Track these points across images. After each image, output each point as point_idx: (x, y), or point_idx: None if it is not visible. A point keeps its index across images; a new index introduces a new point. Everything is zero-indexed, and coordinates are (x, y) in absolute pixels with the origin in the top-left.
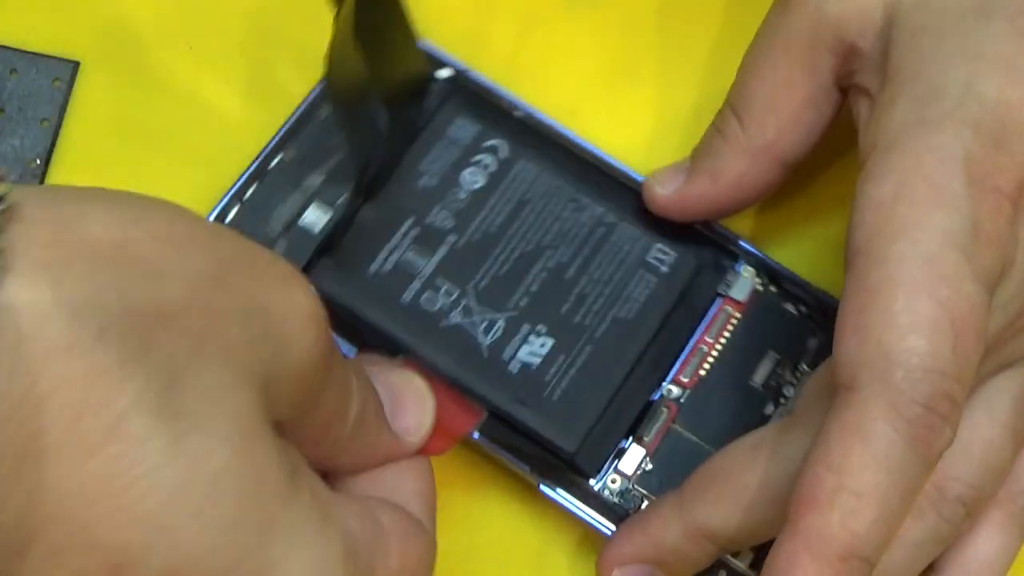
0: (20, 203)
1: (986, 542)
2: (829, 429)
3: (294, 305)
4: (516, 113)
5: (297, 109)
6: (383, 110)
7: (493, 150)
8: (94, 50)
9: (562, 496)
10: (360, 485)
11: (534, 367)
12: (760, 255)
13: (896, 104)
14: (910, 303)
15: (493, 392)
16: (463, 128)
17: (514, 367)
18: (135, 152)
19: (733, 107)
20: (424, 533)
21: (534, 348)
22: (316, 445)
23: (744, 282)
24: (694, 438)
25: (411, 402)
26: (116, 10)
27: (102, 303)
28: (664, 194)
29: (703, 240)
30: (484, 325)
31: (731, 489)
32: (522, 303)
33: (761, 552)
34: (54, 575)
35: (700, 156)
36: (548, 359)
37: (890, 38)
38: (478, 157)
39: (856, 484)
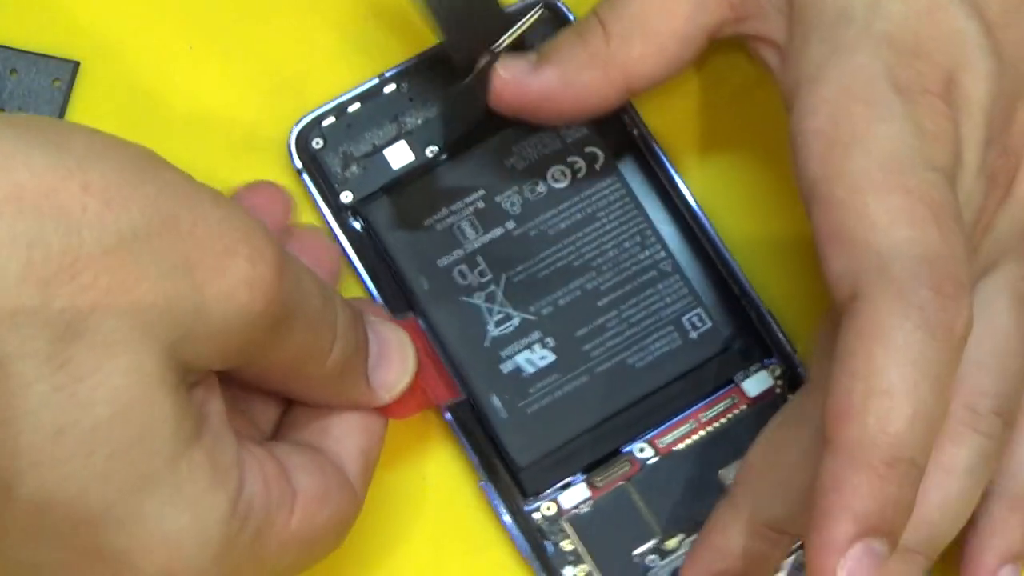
0: None
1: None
2: (846, 342)
3: (232, 272)
4: (633, 130)
5: (428, 50)
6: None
7: (591, 156)
8: (94, 50)
9: (495, 500)
10: (307, 432)
11: (525, 374)
12: (795, 360)
13: (809, 40)
14: (883, 202)
15: (476, 379)
16: (572, 125)
17: (507, 367)
18: None
19: (600, 16)
20: (346, 495)
21: (534, 358)
22: (285, 379)
23: (762, 379)
24: (640, 504)
25: (396, 358)
26: (116, 10)
27: (8, 252)
28: (505, 77)
29: (747, 324)
30: (499, 317)
31: (778, 474)
32: (544, 311)
33: None
34: None
35: (551, 54)
36: (541, 373)
37: None
38: (573, 158)
39: (884, 383)
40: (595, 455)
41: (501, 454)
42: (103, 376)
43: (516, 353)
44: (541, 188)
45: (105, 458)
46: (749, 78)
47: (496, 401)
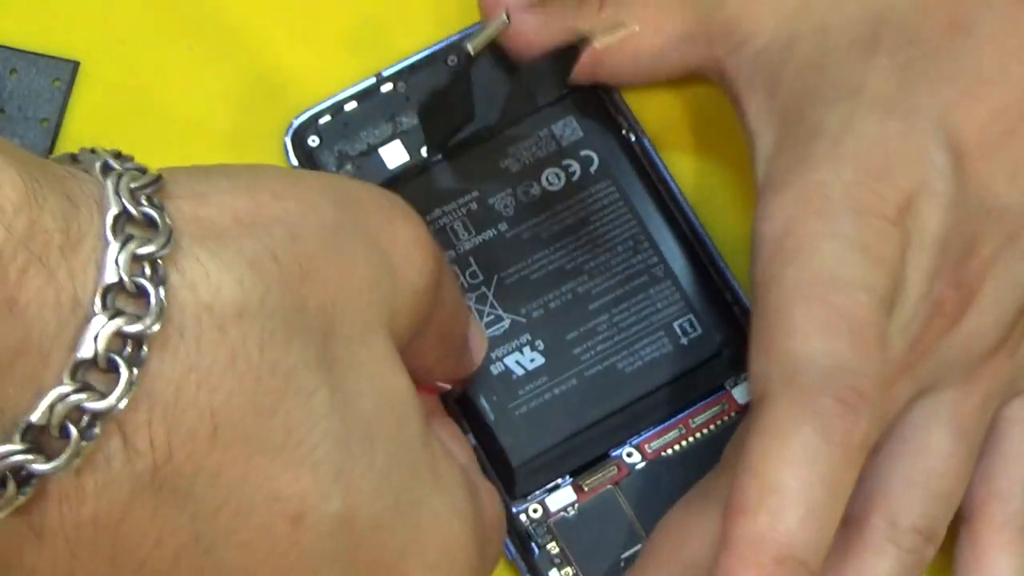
0: (166, 181)
1: (996, 566)
2: (748, 440)
3: (401, 235)
4: (629, 135)
5: (428, 48)
6: (491, 98)
7: (586, 160)
8: (94, 50)
9: None
10: None
11: (514, 376)
12: None
13: (783, 146)
14: (806, 312)
15: (469, 389)
16: (568, 128)
17: (496, 368)
18: (135, 152)
19: None
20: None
21: (523, 360)
22: (437, 348)
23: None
24: (626, 508)
25: (475, 328)
26: (116, 10)
27: (260, 267)
28: (520, 5)
29: (738, 331)
30: (490, 318)
31: (683, 556)
32: (534, 314)
33: None
34: (240, 533)
35: (550, 6)
36: (531, 375)
37: (781, 70)
38: (567, 161)
39: (777, 482)
40: (584, 458)
41: (490, 455)
42: (359, 368)
43: (506, 355)
44: (535, 190)
45: (384, 450)
46: None
47: (485, 402)
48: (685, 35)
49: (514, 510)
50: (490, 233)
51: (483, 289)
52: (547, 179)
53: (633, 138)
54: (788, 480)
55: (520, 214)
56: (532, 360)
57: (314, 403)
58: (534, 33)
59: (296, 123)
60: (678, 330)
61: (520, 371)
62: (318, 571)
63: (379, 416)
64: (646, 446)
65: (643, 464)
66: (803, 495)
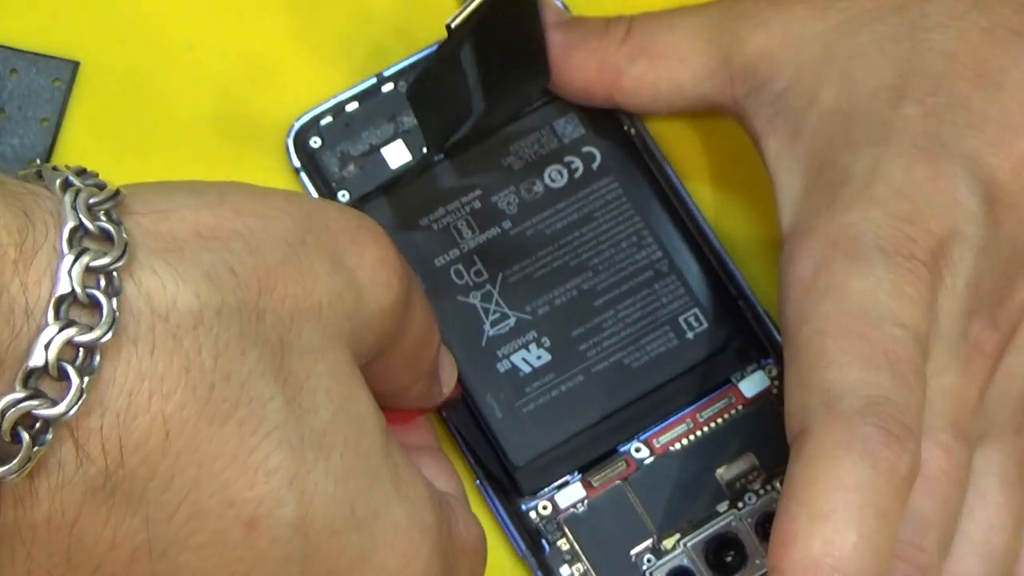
0: (126, 197)
1: None
2: (791, 472)
3: (368, 253)
4: (630, 130)
5: (428, 48)
6: (481, 89)
7: (588, 156)
8: (94, 50)
9: (491, 499)
10: None
11: (521, 374)
12: None
13: (810, 193)
14: (842, 345)
15: (473, 378)
16: (569, 125)
17: (503, 366)
18: (135, 152)
19: (633, 23)
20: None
21: (530, 357)
22: (402, 374)
23: (759, 379)
24: (636, 503)
25: (447, 358)
26: (116, 10)
27: (217, 280)
28: (551, 22)
29: (743, 325)
30: (495, 316)
31: None
32: (540, 311)
33: None
34: (195, 536)
35: (576, 21)
36: (537, 373)
37: (804, 114)
38: (570, 158)
39: (828, 508)
40: (591, 455)
41: (497, 453)
42: (315, 381)
43: (512, 353)
44: (538, 188)
45: (340, 459)
46: None
47: (492, 400)
48: (707, 72)
49: (524, 507)
50: (494, 231)
51: (488, 287)
52: (550, 176)
53: (634, 132)
54: (838, 506)
55: (523, 212)
56: (539, 357)
57: (268, 411)
58: (562, 50)
59: (297, 125)
60: (684, 324)
61: (527, 368)
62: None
63: (336, 426)
64: (654, 441)
65: (651, 459)
66: (855, 520)
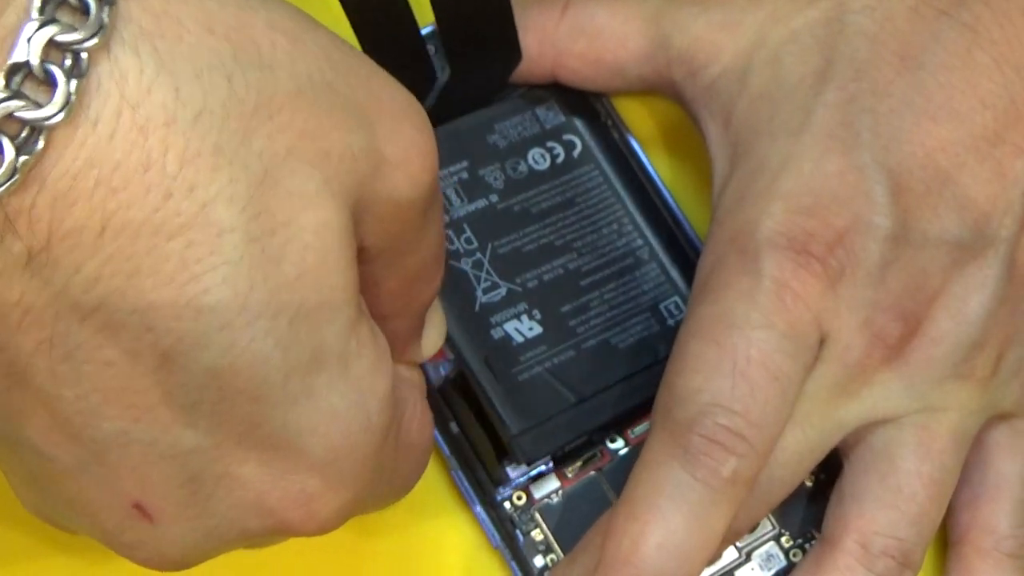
0: None
1: None
2: (632, 471)
3: (403, 133)
4: (607, 121)
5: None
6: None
7: (568, 144)
8: None
9: (465, 489)
10: None
11: (514, 343)
12: None
13: (729, 183)
14: (697, 350)
15: (468, 345)
16: (550, 112)
17: (496, 333)
18: None
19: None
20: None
21: (522, 327)
22: (392, 299)
23: None
24: (610, 494)
25: (438, 316)
26: None
27: (208, 84)
28: None
29: None
30: (487, 284)
31: None
32: (530, 284)
33: None
34: (105, 350)
35: (515, 4)
36: (530, 343)
37: (735, 100)
38: (551, 144)
39: (640, 510)
40: (586, 427)
41: (492, 423)
42: (295, 231)
43: (505, 321)
44: (522, 168)
45: (288, 323)
46: None
47: (488, 366)
48: (645, 54)
49: (498, 497)
50: (482, 203)
51: (479, 255)
52: (533, 158)
53: (610, 123)
54: (648, 508)
55: (509, 188)
56: (531, 328)
57: (223, 243)
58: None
59: None
60: (664, 311)
61: (520, 338)
62: (175, 421)
63: (296, 289)
64: (629, 432)
65: (626, 450)
66: (661, 524)
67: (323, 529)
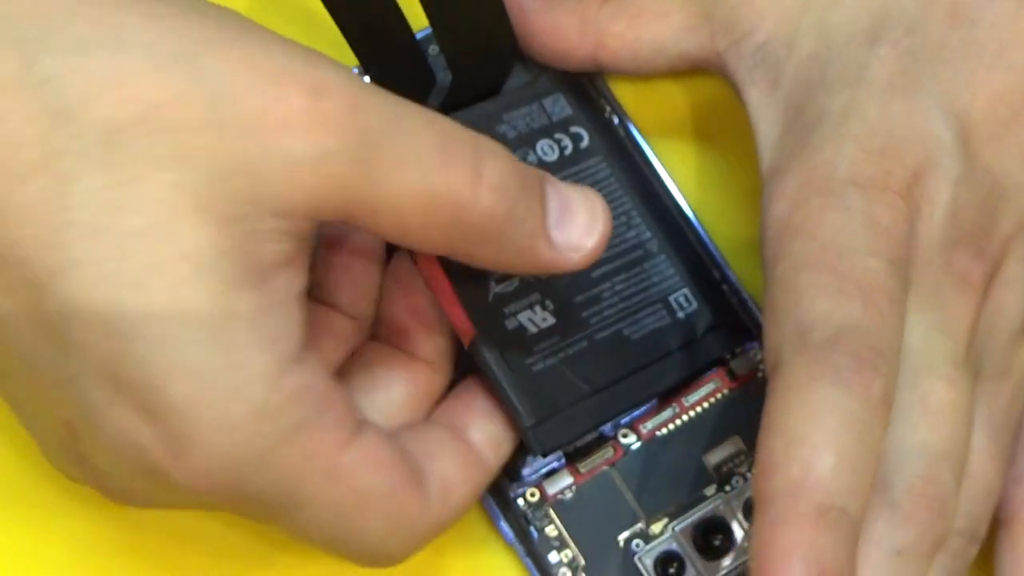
0: None
1: None
2: (767, 408)
3: (284, 99)
4: (612, 117)
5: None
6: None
7: (576, 136)
8: None
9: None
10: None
11: (528, 333)
12: None
13: (785, 136)
14: (813, 279)
15: (483, 332)
16: (556, 104)
17: (510, 324)
18: None
19: None
20: (410, 491)
21: (535, 318)
22: (436, 230)
23: (749, 360)
24: (623, 489)
25: (581, 215)
26: None
27: (58, 54)
28: None
29: (729, 308)
30: (499, 274)
31: None
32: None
33: None
34: (2, 275)
35: None
36: (543, 334)
37: (783, 64)
38: (559, 135)
39: (803, 433)
40: (601, 418)
41: (507, 411)
42: (146, 187)
43: (518, 312)
44: (531, 158)
45: (141, 267)
46: None
47: (502, 358)
48: (687, 27)
49: (511, 495)
50: None
51: None
52: (542, 149)
53: (617, 121)
54: (813, 430)
55: None
56: (544, 319)
57: (77, 187)
58: (540, 15)
59: None
60: (674, 304)
61: (533, 328)
62: (57, 348)
63: (149, 237)
64: (640, 426)
65: (638, 444)
66: (831, 442)
67: (197, 482)
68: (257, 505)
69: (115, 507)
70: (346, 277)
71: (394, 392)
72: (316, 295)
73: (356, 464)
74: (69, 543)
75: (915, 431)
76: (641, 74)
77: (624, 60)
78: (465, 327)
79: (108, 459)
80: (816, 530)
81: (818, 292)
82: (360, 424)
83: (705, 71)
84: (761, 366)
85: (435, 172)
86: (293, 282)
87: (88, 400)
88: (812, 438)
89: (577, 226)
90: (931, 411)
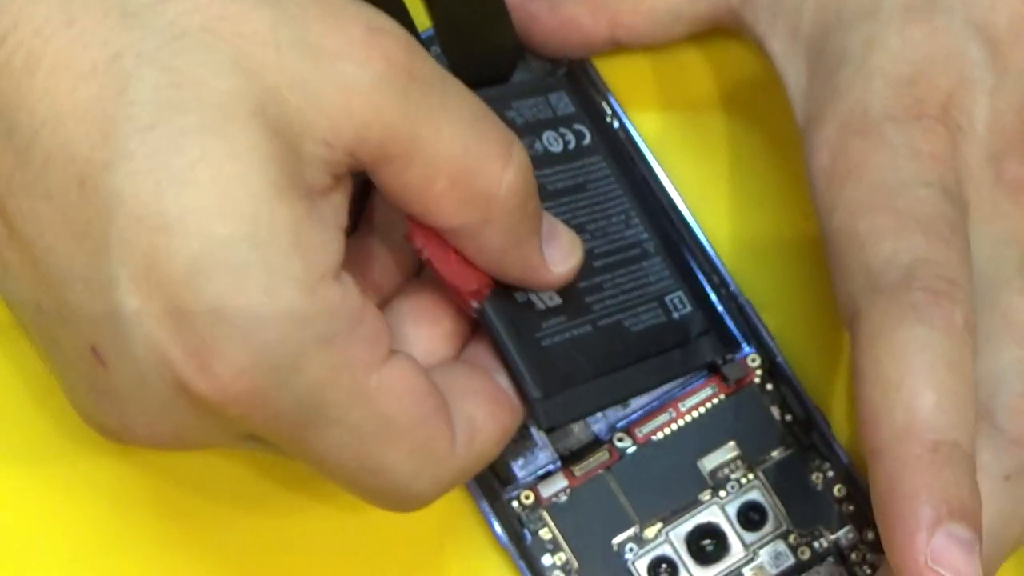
0: None
1: None
2: (855, 361)
3: (345, 30)
4: (613, 122)
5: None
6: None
7: (579, 133)
8: None
9: (474, 487)
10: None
11: (536, 308)
12: (774, 349)
13: (813, 82)
14: (871, 223)
15: (493, 300)
16: (561, 101)
17: (520, 297)
18: None
19: None
20: (440, 429)
21: (543, 295)
22: (454, 195)
23: (741, 367)
24: (618, 493)
25: (564, 240)
26: None
27: None
28: None
29: (727, 312)
30: None
31: None
32: None
33: None
34: (45, 179)
35: None
36: (551, 312)
37: (800, 9)
38: (563, 129)
39: (898, 377)
40: (606, 400)
41: (515, 381)
42: (202, 91)
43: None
44: (538, 147)
45: (189, 164)
46: (736, 73)
47: (512, 324)
48: None
49: (506, 497)
50: None
51: None
52: (547, 140)
53: (618, 124)
54: (907, 373)
55: None
56: (551, 297)
57: (130, 87)
58: (552, 12)
59: None
60: (669, 304)
61: (541, 305)
62: (95, 251)
63: (200, 135)
64: (636, 430)
65: (634, 448)
66: (927, 381)
67: (223, 391)
68: (281, 423)
69: (138, 460)
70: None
71: (429, 329)
72: (364, 231)
73: (385, 387)
74: (92, 496)
75: (1003, 350)
76: (660, 44)
77: (643, 33)
78: (479, 286)
79: (133, 382)
80: (935, 469)
81: (879, 235)
82: (392, 352)
83: (702, 73)
84: (757, 371)
85: (473, 137)
86: (335, 212)
87: (119, 311)
88: (908, 381)
89: (560, 248)
90: (1015, 327)
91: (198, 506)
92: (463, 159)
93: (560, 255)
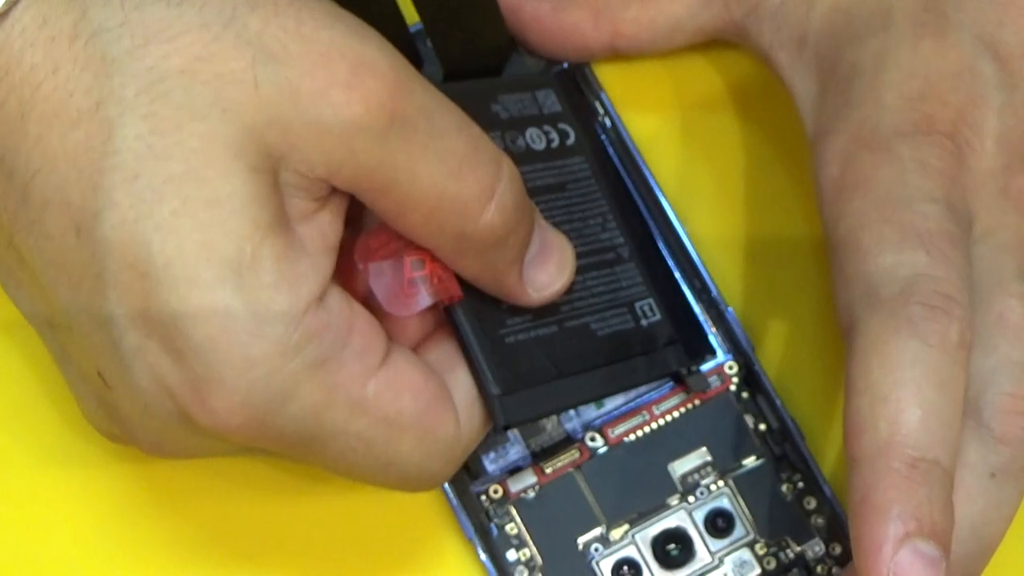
0: None
1: None
2: (848, 368)
3: (328, 68)
4: (605, 120)
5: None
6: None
7: (563, 132)
8: None
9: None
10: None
11: (502, 305)
12: (752, 357)
13: (824, 96)
14: (875, 235)
15: (460, 303)
16: (548, 99)
17: (487, 295)
18: None
19: None
20: (444, 416)
21: None
22: (431, 226)
23: (705, 380)
24: (586, 492)
25: (553, 262)
26: None
27: (110, 10)
28: None
29: (694, 324)
30: None
31: None
32: None
33: None
34: (44, 220)
35: None
36: (516, 309)
37: (806, 21)
38: (547, 127)
39: (886, 390)
40: (566, 402)
41: (476, 376)
42: (182, 136)
43: None
44: (520, 143)
45: (172, 212)
46: (730, 77)
47: (477, 320)
48: (699, 2)
49: (474, 490)
50: None
51: None
52: (531, 137)
53: (609, 123)
54: (896, 386)
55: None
56: None
57: (114, 135)
58: (554, 16)
59: None
60: (639, 311)
61: (505, 303)
62: (95, 290)
63: (183, 183)
64: (608, 431)
65: (605, 448)
66: (915, 396)
67: (224, 423)
68: (285, 442)
69: (149, 463)
70: None
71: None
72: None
73: (382, 393)
74: (105, 499)
75: (996, 350)
76: (659, 53)
77: (643, 43)
78: (451, 287)
79: (137, 407)
80: (910, 484)
81: (881, 247)
82: (387, 352)
83: (697, 76)
84: (733, 379)
85: (451, 177)
86: (320, 233)
87: (120, 345)
88: (895, 394)
89: (547, 271)
90: (1009, 328)
91: (188, 502)
92: (439, 197)
93: (546, 277)
